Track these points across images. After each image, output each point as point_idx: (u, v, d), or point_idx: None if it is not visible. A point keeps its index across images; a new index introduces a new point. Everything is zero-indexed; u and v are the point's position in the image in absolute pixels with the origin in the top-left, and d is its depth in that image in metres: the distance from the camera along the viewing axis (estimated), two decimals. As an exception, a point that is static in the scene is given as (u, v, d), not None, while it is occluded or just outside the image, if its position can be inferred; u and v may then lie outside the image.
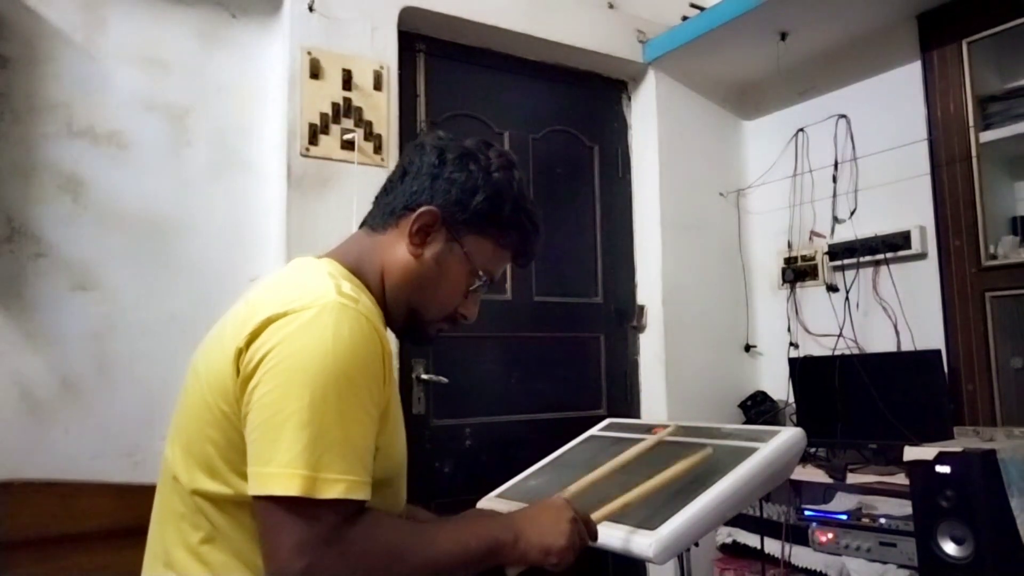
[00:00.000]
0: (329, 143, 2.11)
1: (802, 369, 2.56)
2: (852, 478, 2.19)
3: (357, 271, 1.03)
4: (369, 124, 2.18)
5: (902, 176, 2.47)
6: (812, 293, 2.74)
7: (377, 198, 1.10)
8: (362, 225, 1.10)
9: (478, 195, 1.03)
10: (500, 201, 1.04)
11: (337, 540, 0.83)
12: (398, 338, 1.11)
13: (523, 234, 1.09)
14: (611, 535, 1.21)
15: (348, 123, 2.15)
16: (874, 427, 2.27)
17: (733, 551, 2.47)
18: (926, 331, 2.37)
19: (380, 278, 1.04)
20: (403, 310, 1.05)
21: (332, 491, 0.82)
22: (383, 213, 1.07)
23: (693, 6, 2.73)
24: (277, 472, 0.82)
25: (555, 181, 2.69)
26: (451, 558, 0.91)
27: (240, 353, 0.89)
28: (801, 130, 2.81)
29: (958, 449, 1.78)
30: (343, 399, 0.85)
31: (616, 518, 1.15)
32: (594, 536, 1.06)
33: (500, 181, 1.05)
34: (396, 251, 1.04)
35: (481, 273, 1.07)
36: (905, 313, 2.42)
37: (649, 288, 2.78)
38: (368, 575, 0.85)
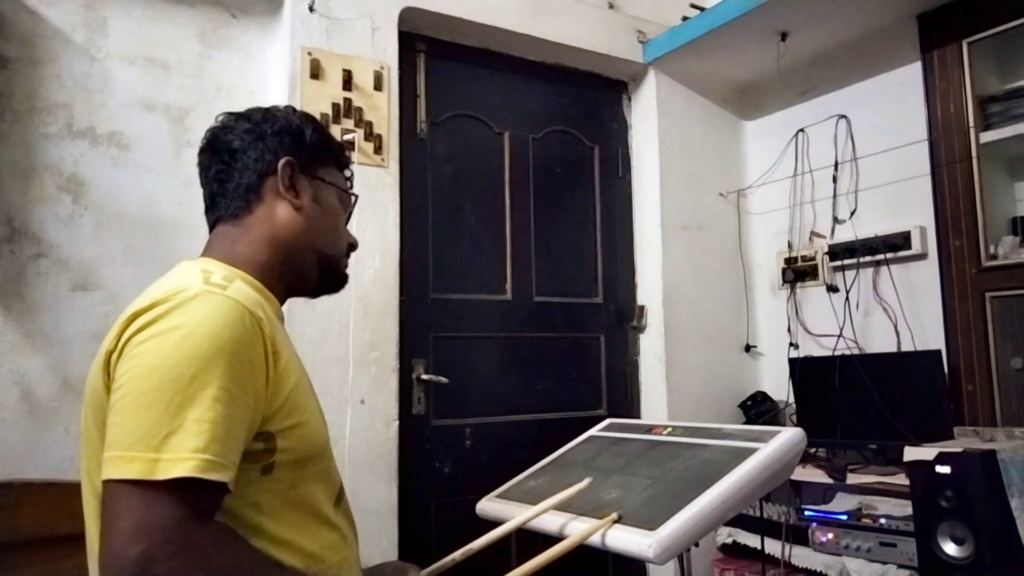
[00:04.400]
0: (329, 143, 2.11)
1: (802, 369, 2.57)
2: (852, 478, 2.20)
3: (231, 260, 1.03)
4: (369, 124, 2.18)
5: (902, 176, 2.47)
6: (812, 293, 2.74)
7: (214, 194, 1.08)
8: (216, 224, 1.08)
9: (306, 131, 1.09)
10: (321, 129, 1.13)
11: (181, 532, 0.76)
12: (316, 295, 1.15)
13: (344, 151, 1.19)
14: (611, 535, 1.21)
15: (348, 123, 2.15)
16: (874, 427, 2.27)
17: (733, 551, 2.47)
18: (926, 331, 2.37)
19: (270, 251, 1.04)
20: (313, 259, 1.09)
21: (176, 470, 0.77)
22: (237, 198, 1.05)
23: (693, 6, 2.73)
24: (117, 455, 0.78)
25: (555, 181, 2.69)
26: None
27: (110, 355, 0.88)
28: (801, 130, 2.81)
29: (958, 449, 1.79)
30: (198, 380, 0.81)
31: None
32: None
33: (305, 114, 1.13)
34: (278, 216, 1.05)
35: (349, 193, 1.16)
36: (905, 313, 2.43)
37: (649, 288, 2.78)
38: None
